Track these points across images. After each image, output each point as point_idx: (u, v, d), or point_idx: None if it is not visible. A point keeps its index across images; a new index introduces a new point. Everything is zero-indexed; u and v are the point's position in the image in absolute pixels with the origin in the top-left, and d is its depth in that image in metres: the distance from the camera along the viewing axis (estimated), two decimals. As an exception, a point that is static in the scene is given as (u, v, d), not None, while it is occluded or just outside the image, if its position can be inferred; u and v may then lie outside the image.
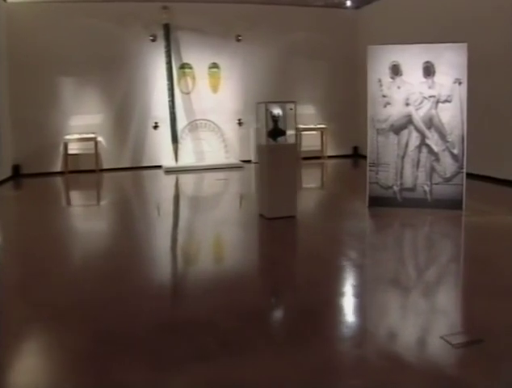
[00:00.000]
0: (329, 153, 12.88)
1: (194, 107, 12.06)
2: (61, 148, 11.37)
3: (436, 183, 7.09)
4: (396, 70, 7.09)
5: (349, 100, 12.74)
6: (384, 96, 7.16)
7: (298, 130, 12.54)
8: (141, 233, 6.71)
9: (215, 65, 12.18)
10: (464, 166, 6.99)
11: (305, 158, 12.45)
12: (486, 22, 9.04)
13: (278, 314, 4.02)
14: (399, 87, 7.10)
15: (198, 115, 12.07)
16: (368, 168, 7.33)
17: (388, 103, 7.15)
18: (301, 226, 6.61)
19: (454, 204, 6.97)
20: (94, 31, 11.25)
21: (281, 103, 7.04)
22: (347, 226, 6.62)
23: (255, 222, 6.82)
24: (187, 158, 12.01)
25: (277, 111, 6.85)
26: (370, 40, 9.86)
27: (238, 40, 12.19)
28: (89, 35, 11.22)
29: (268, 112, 6.75)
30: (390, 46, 7.25)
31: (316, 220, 7.01)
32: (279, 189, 6.71)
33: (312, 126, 12.64)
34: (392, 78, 7.11)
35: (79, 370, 3.02)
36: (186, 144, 12.07)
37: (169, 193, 9.84)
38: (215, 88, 12.19)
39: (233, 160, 12.19)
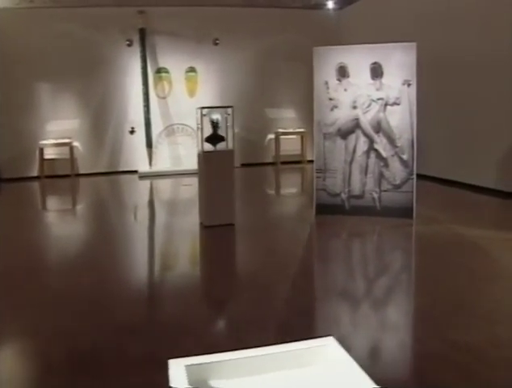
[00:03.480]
0: (310, 157, 12.54)
1: (170, 112, 11.94)
2: (37, 153, 11.38)
3: (385, 190, 6.74)
4: (342, 72, 6.78)
5: (332, 103, 12.40)
6: (330, 99, 6.86)
7: (277, 134, 12.36)
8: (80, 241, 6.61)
9: (192, 69, 12.03)
10: (414, 173, 6.63)
11: (284, 163, 12.18)
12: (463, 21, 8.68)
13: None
14: (346, 90, 6.79)
15: (175, 120, 11.93)
16: (315, 174, 7.04)
17: (335, 107, 6.85)
18: (236, 235, 6.37)
19: (404, 212, 6.61)
20: (70, 36, 11.23)
21: (219, 108, 6.85)
22: (286, 236, 6.36)
23: (193, 230, 6.62)
24: (164, 163, 11.89)
25: (216, 116, 6.64)
26: (352, 41, 9.55)
27: (215, 44, 12.01)
28: (65, 40, 11.21)
29: (204, 118, 6.55)
30: (337, 47, 6.97)
31: (255, 228, 6.74)
32: (216, 196, 6.49)
33: (291, 130, 12.35)
34: (338, 80, 6.81)
35: None
36: (162, 149, 11.95)
37: (131, 199, 9.79)
38: (192, 92, 12.04)
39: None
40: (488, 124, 8.23)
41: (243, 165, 12.29)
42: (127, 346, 3.32)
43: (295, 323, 3.66)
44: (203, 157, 6.57)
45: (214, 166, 6.51)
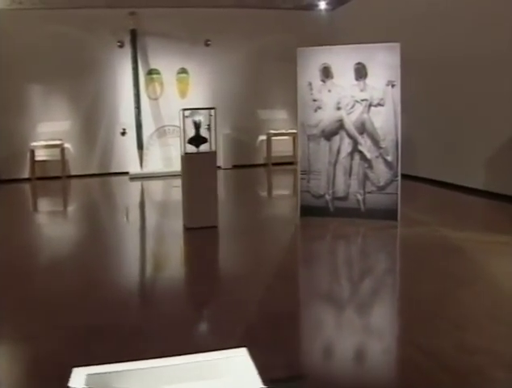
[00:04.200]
0: (302, 159, 12.50)
1: (162, 113, 11.90)
2: (28, 155, 11.36)
3: (369, 192, 6.68)
4: (326, 73, 6.73)
5: (324, 104, 12.34)
6: (314, 100, 6.81)
7: (269, 135, 12.31)
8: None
9: (183, 71, 12.00)
10: (399, 175, 6.57)
11: (276, 164, 12.13)
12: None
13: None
14: (330, 91, 6.73)
15: (166, 121, 11.89)
16: (299, 176, 6.99)
17: (319, 108, 6.79)
18: (217, 237, 6.32)
19: (388, 214, 6.55)
20: (62, 38, 11.22)
21: (202, 109, 6.82)
22: (268, 238, 6.31)
23: (176, 233, 6.57)
24: (155, 165, 11.86)
25: (198, 117, 6.61)
26: (345, 41, 9.47)
27: (207, 45, 11.98)
28: (56, 41, 11.20)
29: (186, 119, 6.52)
30: (320, 48, 6.91)
31: (238, 230, 6.69)
32: (199, 198, 6.44)
33: (283, 131, 12.30)
34: (322, 80, 6.75)
35: None
36: (154, 150, 11.92)
37: (119, 201, 9.76)
38: (183, 93, 12.01)
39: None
40: (478, 125, 8.17)
41: (235, 166, 12.27)
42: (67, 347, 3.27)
43: (264, 329, 3.61)
44: (186, 159, 6.52)
45: (196, 168, 6.46)
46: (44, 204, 9.93)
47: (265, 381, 1.43)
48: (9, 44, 10.93)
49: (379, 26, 10.40)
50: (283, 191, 10.21)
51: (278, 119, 12.30)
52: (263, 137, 12.43)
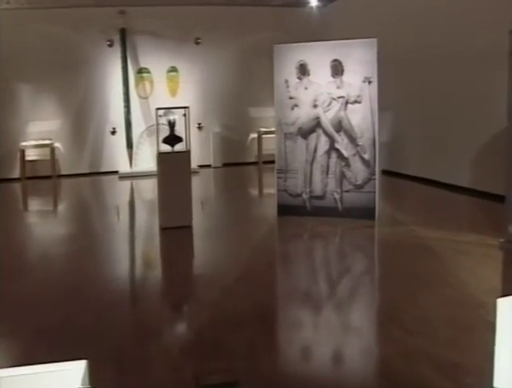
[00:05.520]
0: (293, 157, 12.40)
1: (152, 112, 11.82)
2: (18, 154, 11.36)
3: (347, 191, 6.57)
4: (303, 70, 6.63)
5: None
6: (291, 98, 6.71)
7: (259, 133, 12.21)
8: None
9: (173, 69, 11.93)
10: (377, 173, 6.46)
11: (267, 162, 11.98)
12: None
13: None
14: (306, 88, 6.64)
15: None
16: (276, 175, 6.90)
17: (296, 105, 6.70)
18: (190, 237, 6.26)
19: (366, 213, 6.43)
20: (51, 37, 11.18)
21: (175, 108, 6.77)
22: (242, 238, 6.23)
23: (151, 232, 6.52)
24: (145, 164, 11.79)
25: (172, 117, 6.55)
26: (338, 38, 9.34)
27: (197, 43, 11.88)
28: (46, 40, 11.16)
29: (158, 118, 6.47)
30: (297, 44, 6.82)
31: (212, 230, 6.61)
32: (173, 198, 6.37)
33: (274, 129, 12.14)
34: (299, 78, 6.66)
35: None
36: (144, 149, 11.87)
37: (104, 201, 9.75)
38: (173, 92, 11.94)
39: (192, 165, 11.88)
40: (465, 122, 8.01)
41: (225, 165, 12.20)
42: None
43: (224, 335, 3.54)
44: (159, 158, 6.46)
45: (170, 168, 6.40)
46: (35, 204, 9.91)
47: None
48: (-2, 44, 10.92)
49: (372, 22, 10.22)
50: (269, 189, 10.09)
51: (269, 117, 12.15)
52: (254, 135, 12.33)
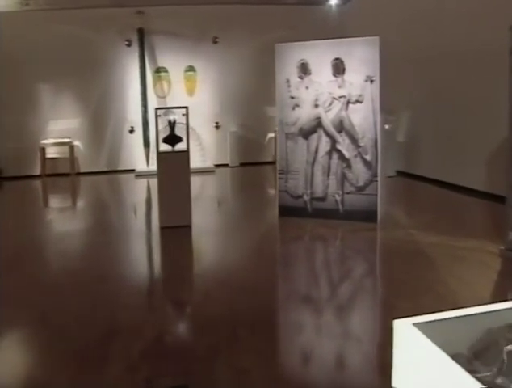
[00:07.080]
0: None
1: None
2: (39, 152, 11.65)
3: (348, 193, 6.42)
4: (304, 69, 6.52)
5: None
6: (292, 97, 6.61)
7: (277, 133, 12.08)
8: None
9: (191, 68, 11.97)
10: (379, 174, 6.28)
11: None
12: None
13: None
14: (307, 87, 6.52)
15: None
16: (278, 176, 6.81)
17: (297, 105, 6.59)
18: (189, 237, 6.24)
19: (368, 215, 6.27)
20: (70, 38, 11.39)
21: (175, 108, 6.77)
22: (241, 238, 6.19)
23: (150, 232, 6.55)
24: (162, 163, 11.88)
25: (173, 117, 6.56)
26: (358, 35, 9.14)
27: (215, 42, 11.89)
28: (65, 41, 11.37)
29: (159, 118, 6.49)
30: (298, 43, 6.71)
31: (211, 230, 6.58)
32: (172, 197, 6.38)
33: (290, 129, 12.03)
34: (300, 77, 6.55)
35: None
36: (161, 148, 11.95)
37: (115, 199, 9.86)
38: (191, 91, 11.99)
39: (209, 164, 11.93)
40: (479, 124, 7.71)
41: (242, 164, 12.16)
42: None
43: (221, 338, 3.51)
44: (159, 157, 6.48)
45: (169, 167, 6.40)
46: (54, 201, 10.14)
47: None
48: (18, 45, 11.19)
49: (391, 21, 9.94)
50: (265, 189, 10.04)
51: (285, 116, 12.07)
52: (272, 135, 12.24)
